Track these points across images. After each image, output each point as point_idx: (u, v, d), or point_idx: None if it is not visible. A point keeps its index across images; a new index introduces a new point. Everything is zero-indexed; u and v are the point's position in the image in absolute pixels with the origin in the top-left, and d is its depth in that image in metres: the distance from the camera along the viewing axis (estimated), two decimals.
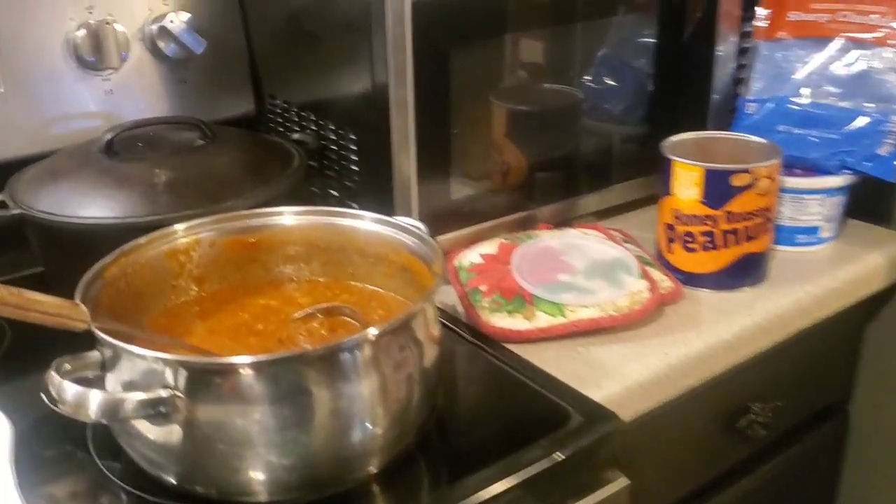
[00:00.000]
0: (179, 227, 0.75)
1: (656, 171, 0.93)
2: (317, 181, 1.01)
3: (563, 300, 0.82)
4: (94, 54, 0.96)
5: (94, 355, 0.62)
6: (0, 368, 0.79)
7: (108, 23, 0.96)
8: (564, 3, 0.95)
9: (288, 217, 0.79)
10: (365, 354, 0.60)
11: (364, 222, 0.78)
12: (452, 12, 0.85)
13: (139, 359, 0.59)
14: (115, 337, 0.61)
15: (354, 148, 0.93)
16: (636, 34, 1.06)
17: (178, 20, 1.00)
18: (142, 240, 0.74)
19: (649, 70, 1.06)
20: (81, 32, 0.95)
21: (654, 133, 1.06)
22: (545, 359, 0.79)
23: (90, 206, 0.80)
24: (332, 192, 0.99)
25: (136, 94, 1.02)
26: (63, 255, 0.83)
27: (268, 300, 0.79)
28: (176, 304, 0.77)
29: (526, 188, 0.99)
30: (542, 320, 0.81)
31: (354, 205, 0.96)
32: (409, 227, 0.75)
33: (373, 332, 0.60)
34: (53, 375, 0.57)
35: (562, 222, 1.00)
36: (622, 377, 0.78)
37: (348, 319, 0.74)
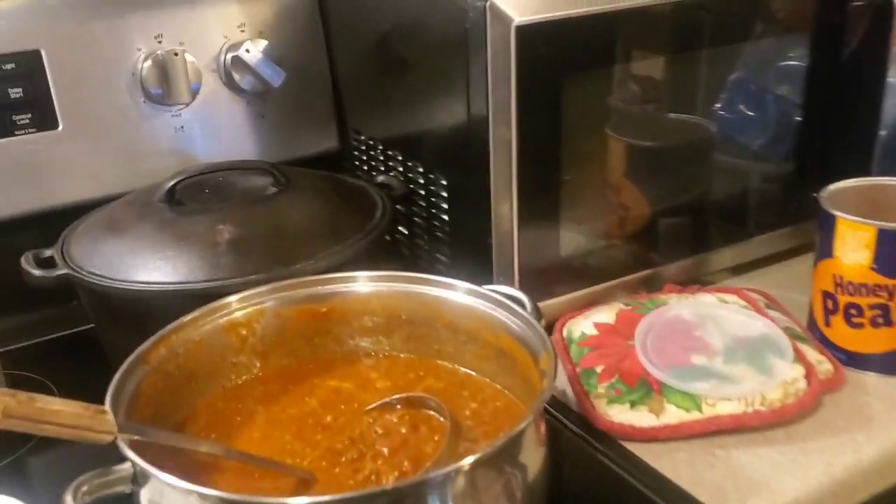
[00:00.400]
0: (234, 298, 0.65)
1: (804, 218, 0.77)
2: (402, 229, 0.89)
3: (699, 390, 0.67)
4: (161, 86, 0.87)
5: (126, 469, 0.51)
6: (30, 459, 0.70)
7: (177, 53, 0.86)
8: (693, 18, 0.80)
9: (364, 283, 0.67)
10: (456, 488, 0.47)
11: (455, 293, 0.65)
12: (563, 37, 0.71)
13: (171, 488, 0.47)
14: (151, 441, 0.50)
15: (445, 195, 0.80)
16: (780, 55, 0.89)
17: (254, 49, 0.90)
18: (195, 313, 0.63)
19: (797, 98, 0.89)
20: (148, 64, 0.86)
21: (801, 173, 0.90)
22: (675, 464, 0.64)
23: (143, 268, 0.69)
24: (418, 241, 0.87)
25: (209, 130, 0.92)
26: (112, 318, 0.74)
27: (340, 381, 0.67)
28: (236, 385, 0.66)
29: (648, 240, 0.84)
30: (673, 415, 0.66)
31: (443, 257, 0.83)
32: (510, 301, 0.61)
33: (468, 462, 0.46)
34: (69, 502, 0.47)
35: (690, 281, 0.85)
36: (773, 493, 0.62)
37: (433, 414, 0.61)
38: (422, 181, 0.83)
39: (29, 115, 0.83)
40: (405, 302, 0.67)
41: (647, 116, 0.84)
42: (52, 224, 0.82)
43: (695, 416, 0.66)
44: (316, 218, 0.75)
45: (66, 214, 0.84)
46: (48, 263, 0.73)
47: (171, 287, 0.68)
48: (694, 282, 0.85)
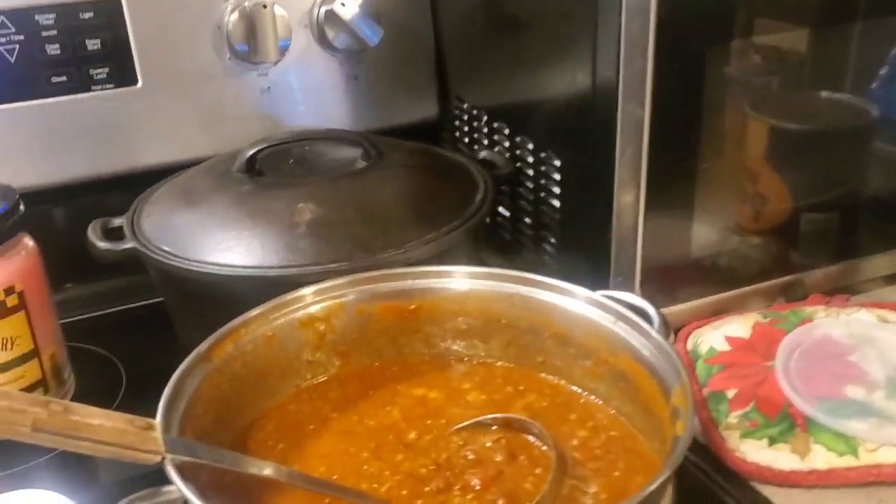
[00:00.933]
0: (310, 290, 0.57)
1: None
2: (504, 211, 0.80)
3: (857, 431, 0.55)
4: (248, 42, 0.79)
5: (176, 491, 0.43)
6: None
7: (265, 5, 0.78)
8: None
9: (460, 280, 0.58)
10: None
11: (569, 300, 0.55)
12: (711, 3, 0.59)
13: None
14: (203, 461, 0.43)
15: (557, 177, 0.70)
16: None
17: (351, 4, 0.81)
18: (266, 306, 0.55)
19: None
20: (235, 16, 0.78)
21: None
22: None
23: (214, 248, 0.62)
24: (522, 227, 0.77)
25: (297, 92, 0.84)
26: (181, 297, 0.67)
27: (427, 390, 0.58)
28: (311, 386, 0.59)
29: (790, 241, 0.72)
30: (821, 458, 0.55)
31: (549, 248, 0.73)
32: (635, 315, 0.51)
33: None
34: None
35: (836, 290, 0.72)
36: None
37: (534, 441, 0.52)
38: (530, 160, 0.73)
39: (107, 70, 0.76)
40: (507, 305, 0.57)
41: (795, 95, 0.72)
42: (126, 188, 0.76)
43: (849, 461, 0.55)
44: (408, 199, 0.66)
45: (142, 179, 0.78)
46: (116, 234, 0.67)
47: (242, 272, 0.60)
48: (841, 291, 0.73)
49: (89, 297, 0.81)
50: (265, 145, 0.68)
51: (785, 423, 0.57)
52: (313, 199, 0.64)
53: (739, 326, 0.66)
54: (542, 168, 0.72)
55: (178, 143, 0.81)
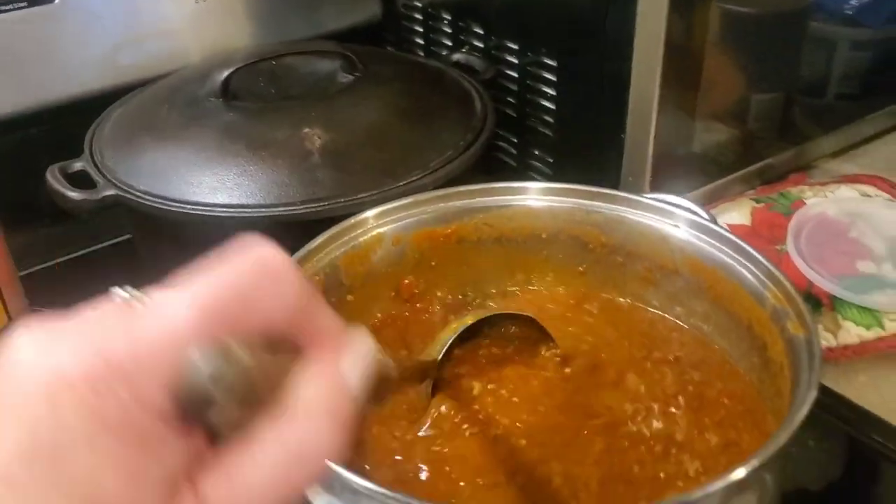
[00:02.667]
0: (371, 213, 0.51)
1: None
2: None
3: (879, 304, 0.59)
4: None
5: None
6: None
7: None
8: None
9: (535, 198, 0.53)
10: None
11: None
12: None
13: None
14: None
15: (551, 78, 0.67)
16: None
17: None
18: (322, 237, 0.48)
19: None
20: None
21: None
22: (859, 389, 0.57)
23: (218, 188, 0.55)
24: (509, 137, 0.74)
25: (233, 0, 0.75)
26: (176, 247, 0.60)
27: None
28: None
29: (763, 128, 0.74)
30: (853, 334, 0.58)
31: (543, 158, 0.71)
32: (717, 226, 0.50)
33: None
34: None
35: (797, 169, 0.76)
36: None
37: None
38: (515, 61, 0.70)
39: None
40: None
41: None
42: (55, 123, 0.66)
43: (877, 332, 0.58)
44: (411, 114, 0.61)
45: (70, 112, 0.68)
46: (81, 180, 0.58)
47: (261, 213, 0.54)
48: (800, 170, 0.76)
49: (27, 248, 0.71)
50: (239, 65, 0.61)
51: (810, 304, 0.60)
52: (317, 123, 0.58)
53: (737, 214, 0.67)
54: (529, 68, 0.69)
55: (105, 67, 0.71)
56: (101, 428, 0.21)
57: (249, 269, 0.24)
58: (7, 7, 0.65)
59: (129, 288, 0.26)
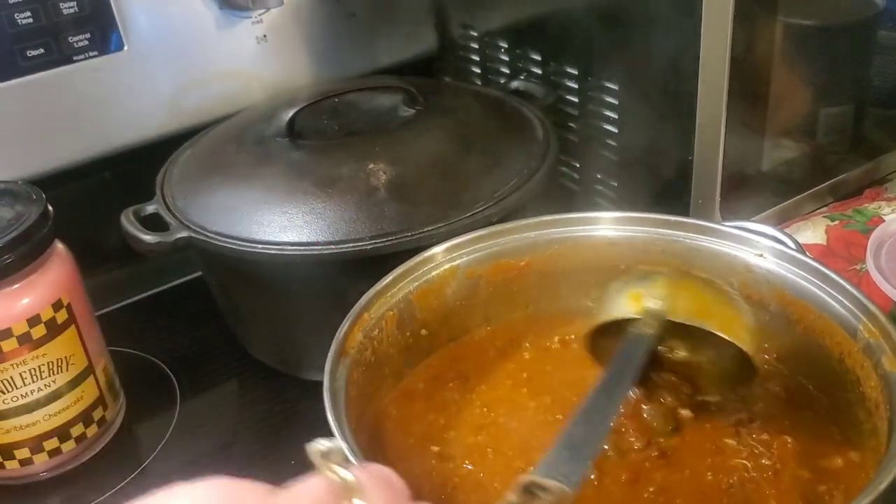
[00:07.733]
0: (439, 249, 0.51)
1: None
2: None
3: None
4: None
5: None
6: None
7: None
8: None
9: (611, 227, 0.53)
10: None
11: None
12: None
13: None
14: None
15: (613, 101, 0.67)
16: None
17: None
18: (389, 278, 0.49)
19: None
20: None
21: None
22: None
23: (287, 226, 0.56)
24: (569, 166, 0.74)
25: (294, 38, 0.76)
26: (247, 286, 0.61)
27: None
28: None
29: (838, 139, 0.72)
30: None
31: (606, 182, 0.71)
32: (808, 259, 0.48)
33: None
34: None
35: (872, 184, 0.74)
36: None
37: None
38: (574, 86, 0.70)
39: (88, 36, 0.67)
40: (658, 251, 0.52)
41: None
42: (125, 167, 0.68)
43: None
44: (473, 144, 0.61)
45: (139, 155, 0.70)
46: (154, 223, 0.59)
47: (331, 250, 0.54)
48: (874, 185, 0.74)
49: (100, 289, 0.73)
50: (303, 104, 0.62)
51: (894, 323, 0.58)
52: (382, 158, 0.58)
53: (811, 233, 0.66)
54: (590, 93, 0.68)
55: (174, 111, 0.72)
56: None
57: None
58: (80, 57, 0.67)
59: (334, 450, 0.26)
